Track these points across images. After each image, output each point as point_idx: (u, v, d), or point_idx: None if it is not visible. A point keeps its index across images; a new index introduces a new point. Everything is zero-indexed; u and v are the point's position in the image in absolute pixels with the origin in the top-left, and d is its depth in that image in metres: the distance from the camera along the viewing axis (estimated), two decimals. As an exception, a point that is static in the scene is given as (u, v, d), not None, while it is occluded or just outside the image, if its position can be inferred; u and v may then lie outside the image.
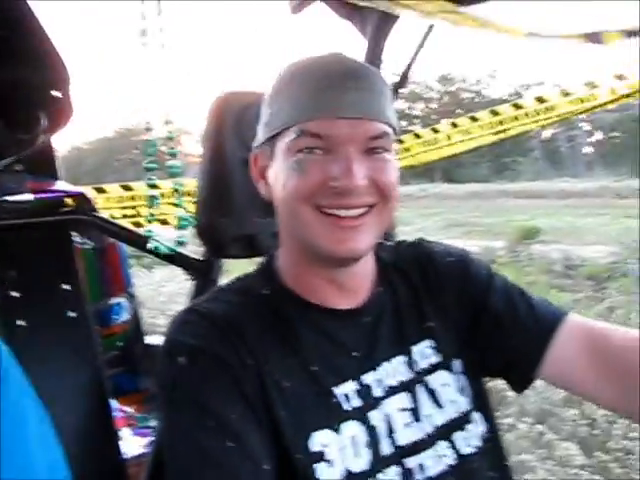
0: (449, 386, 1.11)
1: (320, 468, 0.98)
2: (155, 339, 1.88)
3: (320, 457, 0.98)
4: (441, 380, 1.11)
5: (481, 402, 1.15)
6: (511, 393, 1.26)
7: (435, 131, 1.68)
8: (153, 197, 1.24)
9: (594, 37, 0.80)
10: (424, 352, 1.12)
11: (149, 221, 1.35)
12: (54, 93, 1.31)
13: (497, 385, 1.40)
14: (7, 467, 0.86)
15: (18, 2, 1.23)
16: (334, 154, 0.99)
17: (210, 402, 0.96)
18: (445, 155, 1.66)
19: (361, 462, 1.01)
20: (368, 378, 1.06)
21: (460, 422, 1.10)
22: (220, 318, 1.01)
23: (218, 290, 1.13)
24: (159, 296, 7.77)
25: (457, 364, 1.13)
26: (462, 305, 1.17)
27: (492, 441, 1.13)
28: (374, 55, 1.65)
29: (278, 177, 1.03)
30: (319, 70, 1.02)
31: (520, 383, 1.20)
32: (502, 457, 1.16)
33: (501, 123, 1.62)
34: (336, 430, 1.00)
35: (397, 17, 1.61)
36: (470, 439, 1.10)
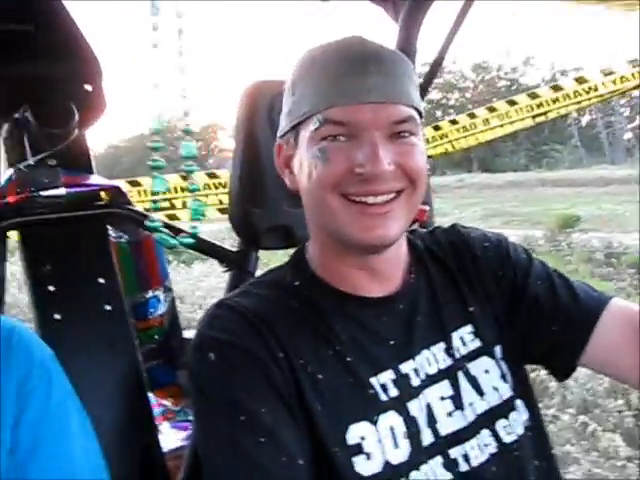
0: (491, 372, 1.09)
1: (358, 461, 0.96)
2: (193, 333, 1.89)
3: (358, 450, 0.97)
4: (483, 366, 1.09)
5: (523, 389, 1.12)
6: (553, 384, 1.24)
7: (472, 116, 1.65)
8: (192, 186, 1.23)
9: None
10: (464, 338, 1.09)
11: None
12: (86, 87, 1.31)
13: (539, 376, 1.38)
14: (52, 468, 0.87)
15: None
16: (358, 140, 0.96)
17: (241, 397, 0.95)
18: (483, 140, 1.63)
19: (400, 453, 0.99)
20: (406, 367, 1.04)
21: (503, 410, 1.08)
22: (250, 312, 1.00)
23: (249, 284, 1.12)
24: (197, 291, 7.83)
25: (498, 350, 1.11)
26: (501, 290, 1.14)
27: (535, 429, 1.10)
28: (406, 42, 1.62)
29: (302, 166, 1.02)
30: (339, 54, 1.00)
31: (562, 370, 1.17)
32: (546, 445, 1.13)
33: (540, 106, 1.57)
34: (374, 422, 0.99)
35: (431, 1, 1.57)
36: (513, 427, 1.07)
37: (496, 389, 1.08)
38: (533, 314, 1.13)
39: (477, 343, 1.10)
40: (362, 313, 1.05)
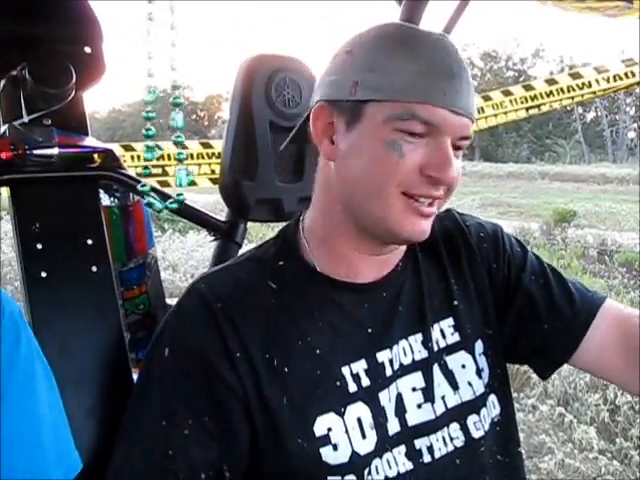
0: (467, 367, 1.08)
1: (325, 452, 0.96)
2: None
3: (325, 441, 0.97)
4: (460, 361, 1.08)
5: (498, 384, 1.12)
6: (536, 375, 1.24)
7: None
8: (180, 155, 1.24)
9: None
10: (444, 331, 1.08)
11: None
12: (86, 49, 1.31)
13: (523, 366, 1.39)
14: (16, 417, 0.89)
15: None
16: (432, 142, 0.94)
17: (173, 404, 0.95)
18: (475, 128, 1.63)
19: (367, 443, 0.99)
20: (382, 356, 1.03)
21: (474, 405, 1.08)
22: (220, 301, 0.98)
23: (234, 259, 1.11)
24: (191, 260, 7.86)
25: (479, 345, 1.10)
26: (493, 283, 1.13)
27: (504, 424, 1.11)
28: (410, 22, 1.62)
29: (361, 150, 0.96)
30: (433, 51, 0.95)
31: (547, 369, 1.18)
32: (512, 442, 1.13)
33: (534, 98, 1.58)
34: (341, 413, 0.98)
35: None
36: (482, 423, 1.07)
37: (470, 384, 1.08)
38: (525, 311, 1.12)
39: (457, 337, 1.09)
40: (344, 299, 1.03)
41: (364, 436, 0.99)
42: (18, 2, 1.23)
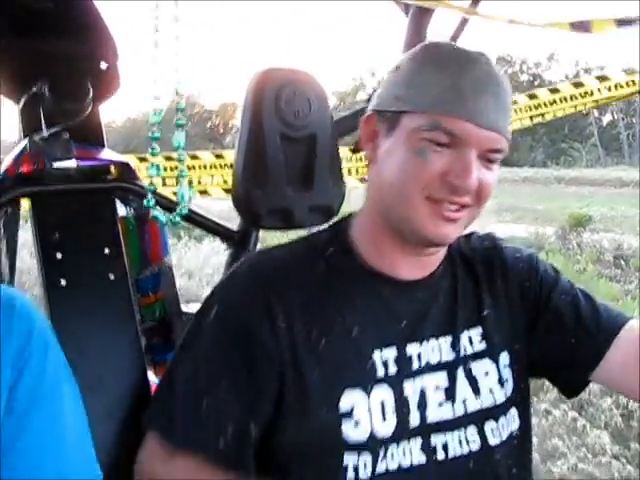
0: (490, 375, 1.14)
1: (346, 427, 1.03)
2: (195, 307, 1.94)
3: (348, 415, 1.03)
4: (484, 368, 1.14)
5: (521, 399, 1.17)
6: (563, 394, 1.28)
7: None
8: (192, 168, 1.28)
9: (581, 26, 0.80)
10: (473, 338, 1.15)
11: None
12: (102, 65, 1.36)
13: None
14: (42, 432, 0.92)
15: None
16: (457, 152, 1.02)
17: (212, 357, 1.06)
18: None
19: (387, 427, 1.05)
20: (411, 349, 1.10)
21: (493, 413, 1.13)
22: (269, 275, 1.09)
23: (293, 240, 1.21)
24: (206, 267, 7.91)
25: (504, 356, 1.16)
26: (525, 300, 1.20)
27: (521, 439, 1.16)
28: (415, 36, 1.66)
29: (393, 155, 1.06)
30: (468, 66, 1.03)
31: (572, 385, 1.22)
32: (527, 456, 1.19)
33: (538, 107, 1.62)
34: (367, 392, 1.05)
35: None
36: (500, 431, 1.12)
37: (492, 392, 1.13)
38: (553, 326, 1.18)
39: (483, 345, 1.15)
40: (385, 290, 1.12)
41: (385, 419, 1.05)
42: (38, 21, 1.28)
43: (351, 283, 1.11)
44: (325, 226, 1.28)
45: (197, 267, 8.15)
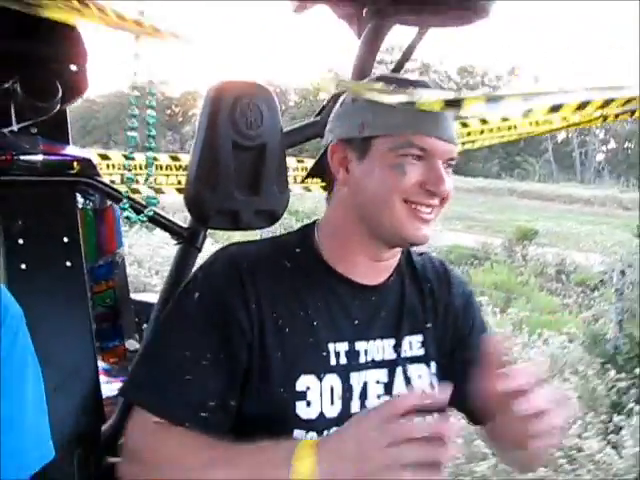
0: (423, 379, 1.30)
1: (300, 406, 1.17)
2: (144, 296, 2.03)
3: (302, 396, 1.18)
4: (418, 371, 1.30)
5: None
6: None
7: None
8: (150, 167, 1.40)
9: (453, 104, 0.93)
10: (413, 344, 1.30)
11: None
12: (72, 67, 1.46)
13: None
14: (6, 405, 1.02)
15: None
16: (428, 163, 1.18)
17: (195, 338, 1.17)
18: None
19: (333, 410, 1.20)
20: (359, 345, 1.25)
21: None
22: (246, 262, 1.21)
23: (263, 239, 1.36)
24: (156, 257, 7.95)
25: (433, 365, 1.32)
26: (455, 331, 1.37)
27: None
28: (366, 58, 1.77)
29: (372, 172, 1.20)
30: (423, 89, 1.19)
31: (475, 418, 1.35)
32: None
33: (469, 134, 1.77)
34: (320, 378, 1.20)
35: (394, 21, 1.72)
36: None
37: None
38: (466, 365, 1.26)
39: (422, 352, 1.31)
40: (342, 290, 1.25)
41: (332, 403, 1.20)
42: (12, 23, 1.37)
43: (313, 281, 1.24)
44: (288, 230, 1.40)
45: (147, 256, 8.18)
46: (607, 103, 0.93)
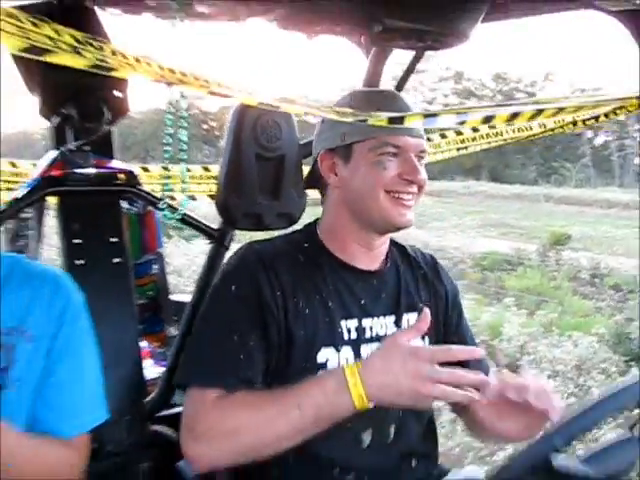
0: None
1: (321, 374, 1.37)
2: (180, 297, 2.26)
3: (323, 367, 1.40)
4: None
5: None
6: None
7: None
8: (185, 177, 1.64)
9: (396, 121, 1.13)
10: (410, 320, 1.53)
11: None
12: (115, 93, 1.71)
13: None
14: (69, 370, 1.25)
15: (90, 16, 1.64)
16: (403, 158, 1.41)
17: (240, 323, 1.37)
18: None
19: None
20: (366, 322, 1.48)
21: None
22: (267, 258, 1.43)
23: (276, 237, 1.57)
24: (193, 266, 8.18)
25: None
26: (444, 319, 1.61)
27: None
28: (374, 74, 1.99)
29: (357, 171, 1.44)
30: (389, 101, 1.46)
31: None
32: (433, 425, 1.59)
33: (463, 141, 1.96)
34: (337, 350, 1.42)
35: (392, 46, 1.93)
36: None
37: None
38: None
39: None
40: (348, 276, 1.48)
41: None
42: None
43: (323, 269, 1.46)
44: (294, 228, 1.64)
45: (185, 265, 8.44)
46: (539, 112, 1.14)
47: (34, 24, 0.79)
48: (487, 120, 1.15)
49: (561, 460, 0.97)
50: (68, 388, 1.26)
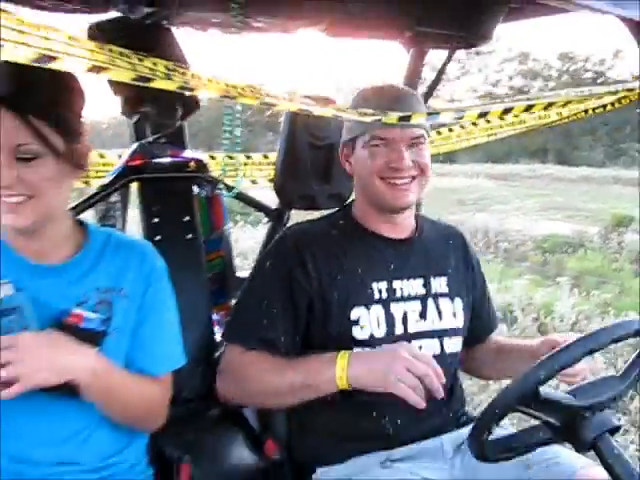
0: (449, 309, 1.74)
1: (355, 329, 1.63)
2: (244, 274, 2.51)
3: (356, 323, 1.64)
4: (445, 304, 1.75)
5: (465, 332, 1.79)
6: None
7: (450, 130, 2.22)
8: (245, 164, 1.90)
9: (404, 119, 1.30)
10: (440, 283, 1.75)
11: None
12: (187, 92, 1.96)
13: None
14: (156, 326, 1.48)
15: (166, 35, 1.89)
16: (391, 148, 1.61)
17: (270, 293, 1.65)
18: (441, 151, 2.24)
19: (380, 332, 1.65)
20: (396, 284, 1.70)
21: (450, 333, 1.74)
22: (303, 239, 1.69)
23: (318, 217, 1.83)
24: (258, 249, 8.40)
25: (458, 301, 1.76)
26: (473, 283, 1.85)
27: (458, 362, 1.80)
28: (414, 70, 2.20)
29: (358, 161, 1.67)
30: (384, 97, 1.63)
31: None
32: (457, 378, 1.82)
33: (491, 129, 2.14)
34: (368, 308, 1.65)
35: (427, 47, 2.13)
36: (452, 346, 1.73)
37: (449, 320, 1.74)
38: (475, 313, 1.85)
39: (446, 290, 1.76)
40: (378, 244, 1.73)
41: (379, 326, 1.65)
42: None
43: (355, 241, 1.70)
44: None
45: (251, 249, 8.69)
46: (530, 107, 1.34)
47: (139, 59, 1.04)
48: (481, 116, 1.36)
49: (548, 390, 1.17)
50: (156, 335, 1.49)
